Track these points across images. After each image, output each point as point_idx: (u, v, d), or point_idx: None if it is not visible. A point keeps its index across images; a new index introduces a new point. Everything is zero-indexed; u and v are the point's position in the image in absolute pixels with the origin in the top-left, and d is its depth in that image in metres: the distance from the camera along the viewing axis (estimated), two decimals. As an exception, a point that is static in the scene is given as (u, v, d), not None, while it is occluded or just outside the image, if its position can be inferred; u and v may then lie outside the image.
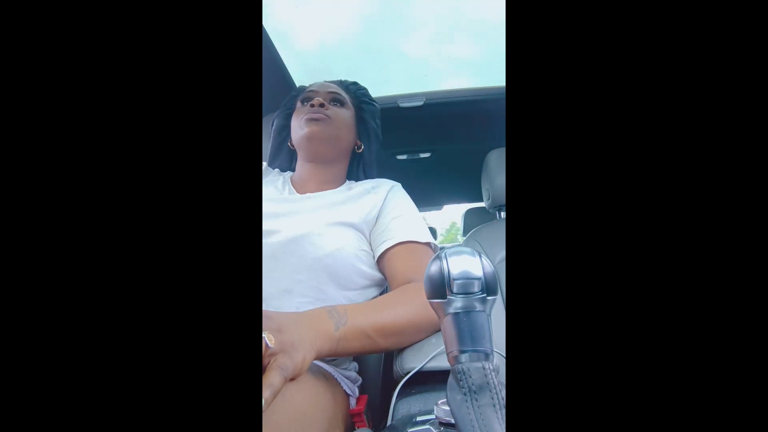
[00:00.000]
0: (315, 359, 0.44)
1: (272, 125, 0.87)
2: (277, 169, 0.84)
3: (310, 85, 0.83)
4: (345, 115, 0.78)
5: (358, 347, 0.49)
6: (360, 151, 0.82)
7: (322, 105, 0.74)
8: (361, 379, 0.64)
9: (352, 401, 0.58)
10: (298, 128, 0.75)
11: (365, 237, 0.68)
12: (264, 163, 0.85)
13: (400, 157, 1.62)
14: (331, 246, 0.61)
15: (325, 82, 0.83)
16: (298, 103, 0.79)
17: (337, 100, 0.78)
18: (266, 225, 0.62)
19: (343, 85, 0.84)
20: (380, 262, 0.66)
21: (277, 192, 0.74)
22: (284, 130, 0.85)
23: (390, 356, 0.66)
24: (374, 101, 0.86)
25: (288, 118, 0.83)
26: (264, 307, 0.56)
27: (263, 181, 0.77)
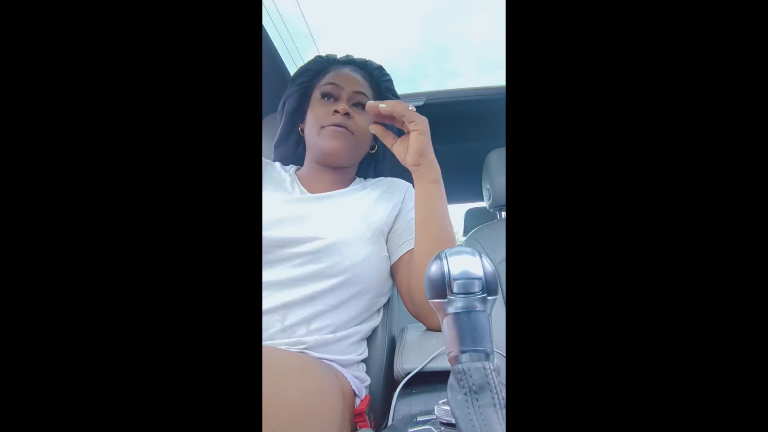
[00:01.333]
0: (423, 163, 0.60)
1: (283, 104, 0.77)
2: (278, 164, 0.77)
3: (333, 71, 0.73)
4: (367, 121, 0.69)
5: (436, 204, 0.60)
6: (374, 151, 0.78)
7: (347, 113, 0.67)
8: (369, 379, 0.64)
9: (357, 401, 0.58)
10: (316, 135, 0.68)
11: (385, 240, 0.67)
12: (266, 160, 0.77)
13: None
14: (358, 256, 0.60)
15: (350, 72, 0.73)
16: (317, 94, 0.71)
17: (360, 104, 0.71)
18: (287, 232, 0.59)
19: (368, 69, 0.75)
20: (398, 262, 0.65)
21: (287, 192, 0.68)
22: (296, 113, 0.76)
23: (391, 357, 0.66)
24: (398, 97, 0.77)
25: (302, 99, 0.75)
26: (284, 314, 0.56)
27: (268, 179, 0.71)
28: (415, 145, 0.58)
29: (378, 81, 0.76)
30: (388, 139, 0.63)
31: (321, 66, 0.75)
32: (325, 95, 0.71)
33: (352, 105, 0.70)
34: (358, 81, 0.72)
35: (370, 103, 0.60)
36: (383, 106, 0.58)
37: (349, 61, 0.76)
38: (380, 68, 0.77)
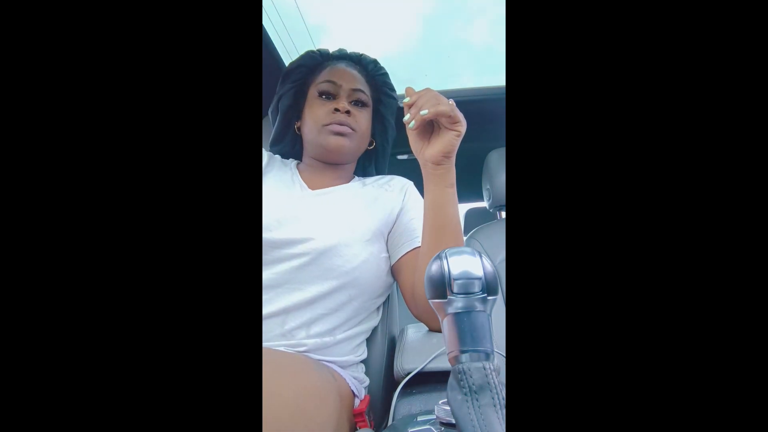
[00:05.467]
0: (445, 164, 0.56)
1: (276, 102, 0.75)
2: (278, 157, 0.75)
3: (329, 68, 0.71)
4: (366, 118, 0.71)
5: (451, 211, 0.57)
6: (372, 148, 0.77)
7: (347, 111, 0.67)
8: (368, 380, 0.64)
9: (357, 401, 0.58)
10: (317, 134, 0.67)
11: (385, 239, 0.66)
12: (267, 153, 0.74)
13: (400, 157, 1.62)
14: (359, 258, 0.60)
15: (346, 68, 0.71)
16: (314, 92, 0.70)
17: (359, 102, 0.70)
18: (288, 232, 0.58)
19: (363, 64, 0.74)
20: (399, 262, 0.64)
21: (287, 188, 0.67)
22: (292, 110, 0.74)
23: (391, 357, 0.66)
24: (394, 93, 0.76)
25: (297, 97, 0.73)
26: (284, 318, 0.56)
27: (269, 172, 0.70)
28: (448, 145, 0.55)
29: (374, 76, 0.75)
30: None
31: (314, 62, 0.73)
32: (323, 93, 0.69)
33: (351, 103, 0.70)
34: (355, 77, 0.71)
35: (409, 89, 0.58)
36: (425, 113, 0.53)
37: (343, 56, 0.75)
38: (375, 62, 0.75)
